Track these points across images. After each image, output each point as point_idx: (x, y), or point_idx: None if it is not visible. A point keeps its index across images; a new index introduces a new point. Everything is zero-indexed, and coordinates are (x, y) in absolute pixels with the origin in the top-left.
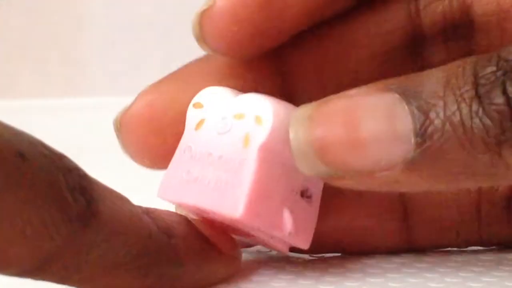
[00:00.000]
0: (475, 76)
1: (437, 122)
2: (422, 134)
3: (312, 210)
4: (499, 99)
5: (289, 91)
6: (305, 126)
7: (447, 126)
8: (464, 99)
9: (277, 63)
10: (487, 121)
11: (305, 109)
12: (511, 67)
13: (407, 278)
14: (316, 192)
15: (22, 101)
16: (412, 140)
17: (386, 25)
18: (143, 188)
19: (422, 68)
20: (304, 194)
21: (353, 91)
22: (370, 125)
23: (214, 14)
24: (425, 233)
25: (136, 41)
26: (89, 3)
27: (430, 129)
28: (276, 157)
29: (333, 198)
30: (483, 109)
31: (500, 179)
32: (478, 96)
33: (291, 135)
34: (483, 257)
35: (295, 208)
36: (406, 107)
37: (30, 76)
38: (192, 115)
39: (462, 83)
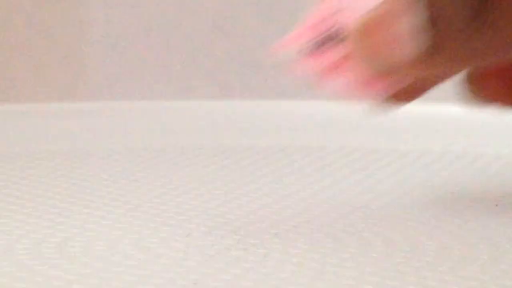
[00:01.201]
0: None
1: (440, 16)
2: (430, 29)
3: None
4: None
5: None
6: (359, 36)
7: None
8: None
9: None
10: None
11: (359, 23)
12: None
13: (405, 277)
14: None
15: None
16: (425, 33)
17: None
18: (143, 191)
19: None
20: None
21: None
22: (397, 29)
23: None
24: None
25: (137, 46)
26: (90, 7)
27: (437, 25)
28: None
29: None
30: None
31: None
32: None
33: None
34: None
35: None
36: (419, 7)
37: (30, 80)
38: None
39: None
